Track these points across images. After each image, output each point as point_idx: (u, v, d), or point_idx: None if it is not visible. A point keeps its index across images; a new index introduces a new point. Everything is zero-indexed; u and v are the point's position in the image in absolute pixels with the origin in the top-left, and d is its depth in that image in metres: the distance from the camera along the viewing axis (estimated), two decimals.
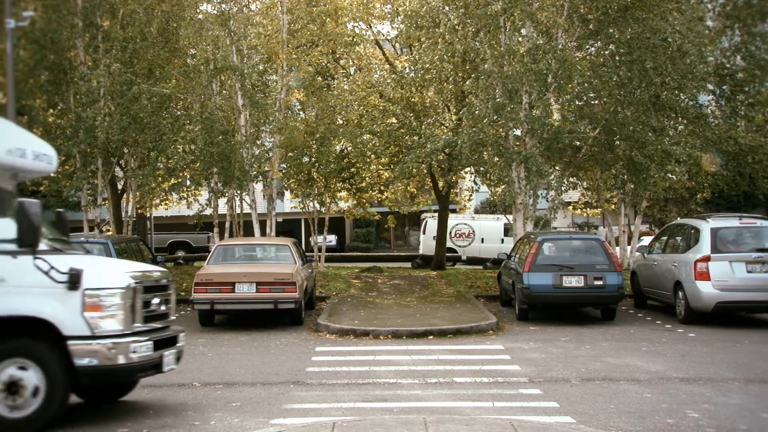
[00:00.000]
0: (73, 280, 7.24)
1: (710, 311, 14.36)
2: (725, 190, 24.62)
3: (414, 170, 23.14)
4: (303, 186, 26.00)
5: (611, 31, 19.57)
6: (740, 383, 9.43)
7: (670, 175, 21.10)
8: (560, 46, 18.64)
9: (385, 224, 35.50)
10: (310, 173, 25.15)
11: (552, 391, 9.04)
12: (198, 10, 22.83)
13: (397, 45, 28.66)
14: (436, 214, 31.58)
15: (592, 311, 16.64)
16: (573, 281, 15.12)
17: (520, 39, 19.33)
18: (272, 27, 23.17)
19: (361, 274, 26.40)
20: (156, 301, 8.09)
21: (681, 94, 20.32)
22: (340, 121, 25.13)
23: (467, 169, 25.42)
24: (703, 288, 14.26)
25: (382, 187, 30.49)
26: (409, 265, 33.93)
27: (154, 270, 8.59)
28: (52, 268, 7.27)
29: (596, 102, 21.15)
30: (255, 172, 22.24)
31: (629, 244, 25.98)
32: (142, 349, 7.59)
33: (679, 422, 7.52)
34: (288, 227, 46.75)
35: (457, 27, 19.71)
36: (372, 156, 26.47)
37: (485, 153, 21.16)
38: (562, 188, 21.20)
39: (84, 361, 7.29)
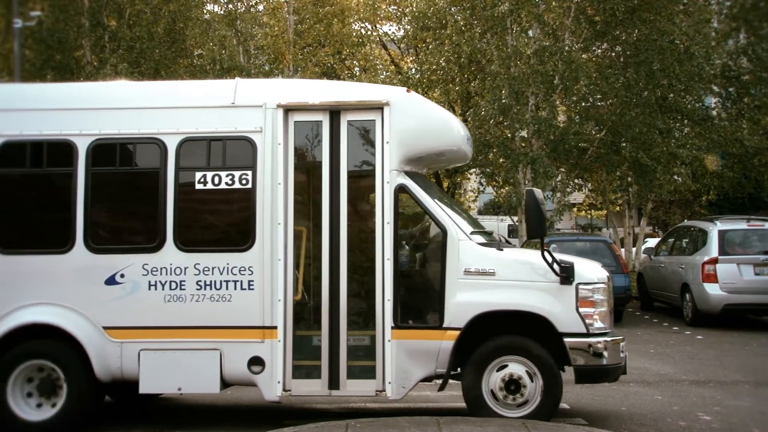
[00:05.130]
0: (568, 274, 6.82)
1: (717, 313, 14.35)
2: (730, 192, 24.61)
3: None
4: None
5: (618, 32, 19.58)
6: (750, 386, 9.40)
7: (675, 177, 21.13)
8: (567, 48, 18.65)
9: None
10: None
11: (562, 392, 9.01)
12: (205, 10, 22.86)
13: (403, 46, 28.70)
14: None
15: None
16: None
17: (526, 40, 19.33)
18: (279, 27, 23.22)
19: None
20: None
21: (687, 96, 20.33)
22: None
23: (473, 170, 25.43)
24: (710, 290, 14.24)
25: None
26: None
27: None
28: (555, 261, 6.87)
29: (602, 103, 21.17)
30: None
31: (634, 245, 25.98)
32: (623, 348, 7.19)
33: (692, 425, 7.50)
34: None
35: (463, 28, 19.73)
36: None
37: (491, 154, 21.17)
38: (568, 190, 21.23)
39: (581, 360, 6.87)
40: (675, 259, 16.12)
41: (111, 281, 7.06)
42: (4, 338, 7.02)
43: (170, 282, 7.03)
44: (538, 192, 6.99)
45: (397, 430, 6.68)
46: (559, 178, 20.31)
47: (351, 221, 7.21)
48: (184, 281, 7.02)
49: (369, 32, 27.66)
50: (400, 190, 7.08)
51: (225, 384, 7.15)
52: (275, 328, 6.97)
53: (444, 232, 7.01)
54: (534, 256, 7.12)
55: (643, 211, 25.91)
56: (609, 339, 6.96)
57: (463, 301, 6.91)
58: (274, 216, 7.03)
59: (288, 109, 7.19)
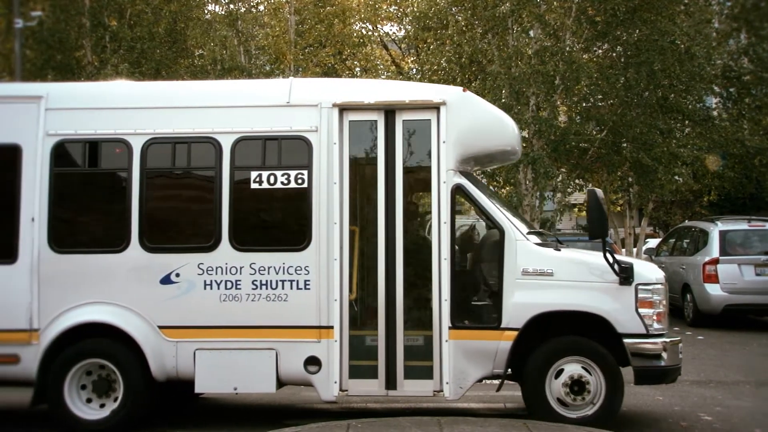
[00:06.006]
0: (627, 275, 6.82)
1: (718, 314, 14.34)
2: (731, 192, 24.60)
3: None
4: None
5: (619, 33, 19.57)
6: (751, 386, 9.41)
7: (676, 178, 21.11)
8: (568, 48, 18.65)
9: None
10: None
11: None
12: (206, 11, 22.86)
13: (404, 46, 28.73)
14: None
15: None
16: None
17: (527, 40, 19.34)
18: (280, 27, 23.24)
19: None
20: None
21: (688, 96, 20.32)
22: None
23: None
24: (711, 290, 14.24)
25: None
26: None
27: None
28: (616, 261, 6.88)
29: (603, 104, 21.15)
30: None
31: (635, 246, 25.96)
32: (681, 349, 7.22)
33: (693, 425, 7.52)
34: None
35: (464, 28, 19.74)
36: None
37: None
38: (568, 190, 21.21)
39: (640, 361, 6.88)
40: (676, 259, 16.12)
41: (166, 280, 7.09)
42: (59, 337, 7.03)
43: (226, 281, 7.05)
44: (599, 192, 7.01)
45: (399, 430, 6.69)
46: (560, 178, 20.30)
47: (406, 221, 7.22)
48: (239, 281, 7.05)
49: (370, 32, 27.68)
50: (457, 189, 7.07)
51: (280, 384, 7.15)
52: (331, 327, 6.99)
53: (501, 232, 7.02)
54: (591, 256, 7.15)
55: (644, 212, 25.88)
56: (668, 340, 6.98)
57: (522, 301, 6.91)
58: (329, 215, 7.04)
59: (343, 109, 7.21)
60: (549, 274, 6.93)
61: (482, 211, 7.14)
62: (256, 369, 7.02)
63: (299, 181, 7.12)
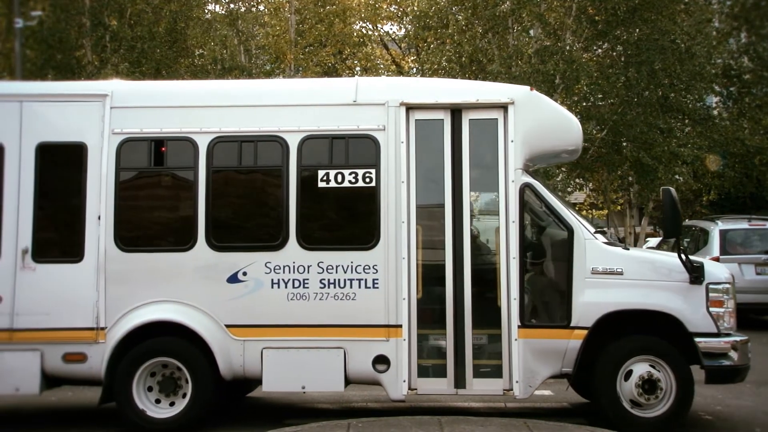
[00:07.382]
0: (699, 274, 6.84)
1: None
2: (731, 191, 24.60)
3: None
4: None
5: (619, 32, 19.58)
6: (752, 385, 9.35)
7: (677, 177, 21.10)
8: (568, 47, 18.65)
9: None
10: None
11: (563, 392, 9.00)
12: (206, 10, 22.87)
13: (404, 45, 28.75)
14: None
15: None
16: None
17: (527, 40, 19.36)
18: (280, 27, 23.25)
19: None
20: None
21: (689, 96, 20.32)
22: None
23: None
24: None
25: None
26: None
27: None
28: (689, 260, 6.91)
29: (603, 103, 21.16)
30: None
31: (635, 245, 25.97)
32: (750, 348, 7.15)
33: (694, 424, 7.50)
34: None
35: (465, 28, 19.75)
36: None
37: None
38: (569, 189, 21.20)
39: (712, 361, 6.87)
40: None
41: (233, 279, 7.10)
42: (126, 336, 7.02)
43: (293, 280, 7.07)
44: (674, 191, 7.02)
45: (399, 430, 6.70)
46: (560, 177, 20.30)
47: (474, 219, 7.24)
48: (307, 279, 7.06)
49: (370, 32, 27.70)
50: (525, 188, 7.07)
51: (348, 382, 7.16)
52: (400, 326, 6.99)
53: (570, 231, 7.03)
54: (660, 255, 7.25)
55: (644, 211, 25.90)
56: (738, 339, 6.99)
57: (591, 300, 6.92)
58: (398, 214, 7.05)
59: (410, 108, 7.22)
60: (619, 273, 6.95)
61: (551, 210, 7.15)
62: (325, 368, 7.03)
63: (367, 179, 7.13)
